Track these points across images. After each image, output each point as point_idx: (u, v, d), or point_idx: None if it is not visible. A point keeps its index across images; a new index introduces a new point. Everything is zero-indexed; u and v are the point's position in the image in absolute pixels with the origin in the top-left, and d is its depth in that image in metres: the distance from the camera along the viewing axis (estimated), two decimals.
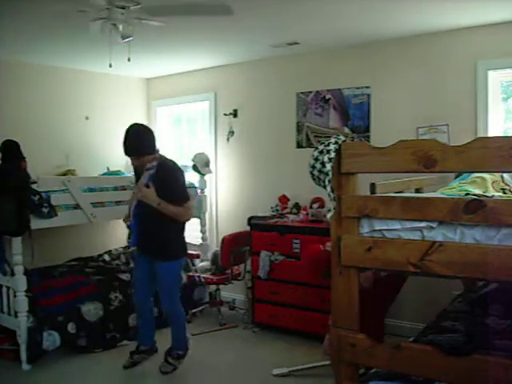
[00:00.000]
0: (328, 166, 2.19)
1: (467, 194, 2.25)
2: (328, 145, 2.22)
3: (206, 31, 4.42)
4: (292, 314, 4.69)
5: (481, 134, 4.17)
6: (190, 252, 5.43)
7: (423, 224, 2.05)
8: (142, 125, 4.14)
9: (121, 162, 6.29)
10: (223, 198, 5.96)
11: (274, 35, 4.63)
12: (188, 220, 3.97)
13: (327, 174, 2.20)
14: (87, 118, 5.94)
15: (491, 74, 4.26)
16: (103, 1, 3.37)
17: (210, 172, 5.63)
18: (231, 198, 5.89)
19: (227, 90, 5.89)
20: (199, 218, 5.62)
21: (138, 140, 3.89)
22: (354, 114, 4.97)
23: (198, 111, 6.33)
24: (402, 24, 4.26)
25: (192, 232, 5.96)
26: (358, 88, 4.93)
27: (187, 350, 4.10)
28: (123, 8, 3.46)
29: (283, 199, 5.27)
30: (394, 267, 2.15)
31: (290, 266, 4.68)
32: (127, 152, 3.90)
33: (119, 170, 5.85)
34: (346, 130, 5.00)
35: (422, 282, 4.13)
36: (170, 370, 4.00)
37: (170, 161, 4.01)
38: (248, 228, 5.07)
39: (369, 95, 4.87)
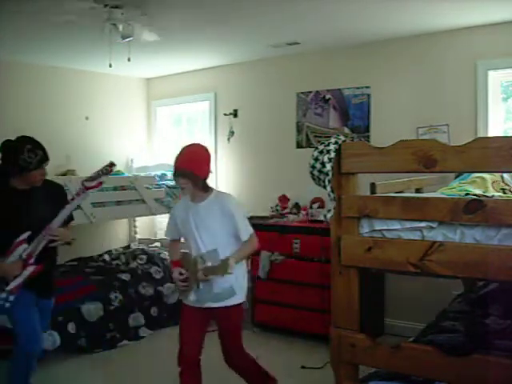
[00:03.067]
0: (328, 166, 2.19)
1: (467, 194, 2.25)
2: (328, 145, 2.22)
3: (206, 31, 4.42)
4: (292, 314, 4.69)
5: (481, 134, 4.17)
6: None
7: (423, 224, 2.05)
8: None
9: (121, 162, 6.30)
10: None
11: (274, 35, 4.63)
12: None
13: (327, 174, 2.20)
14: (87, 118, 5.94)
15: (491, 74, 4.26)
16: (103, 1, 3.38)
17: (210, 172, 5.62)
18: None
19: (227, 90, 5.89)
20: None
21: None
22: (353, 114, 4.97)
23: (198, 111, 6.33)
24: (402, 24, 4.26)
25: None
26: (358, 88, 4.93)
27: None
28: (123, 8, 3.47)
29: (283, 199, 5.27)
30: (394, 267, 2.16)
31: (290, 266, 4.68)
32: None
33: (119, 170, 5.85)
34: (346, 130, 5.00)
35: (422, 282, 4.14)
36: None
37: None
38: None
39: (369, 95, 4.87)
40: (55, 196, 3.09)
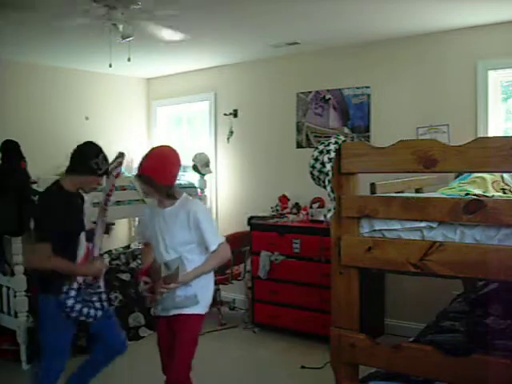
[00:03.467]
0: (328, 166, 2.19)
1: (467, 194, 2.25)
2: (328, 145, 2.22)
3: (206, 31, 4.42)
4: (292, 314, 4.69)
5: (481, 134, 4.17)
6: None
7: (423, 224, 2.05)
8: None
9: None
10: (223, 198, 5.96)
11: (273, 35, 4.63)
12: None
13: (327, 174, 2.20)
14: (87, 118, 5.94)
15: (491, 73, 4.26)
16: (103, 1, 3.38)
17: (210, 172, 5.63)
18: (231, 198, 5.89)
19: (227, 90, 5.89)
20: None
21: None
22: (354, 114, 4.96)
23: (198, 111, 6.33)
24: (402, 24, 4.26)
25: None
26: (358, 88, 4.93)
27: None
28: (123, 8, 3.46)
29: (283, 199, 5.27)
30: (394, 267, 2.16)
31: (290, 266, 4.68)
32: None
33: None
34: (346, 130, 5.00)
35: (422, 282, 4.14)
36: None
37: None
38: (248, 228, 5.07)
39: (369, 95, 4.87)
40: (82, 198, 3.13)
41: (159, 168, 2.66)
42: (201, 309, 2.78)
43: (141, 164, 2.71)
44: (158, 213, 2.78)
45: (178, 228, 2.69)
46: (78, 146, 3.04)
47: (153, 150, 2.77)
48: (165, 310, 2.79)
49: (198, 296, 2.73)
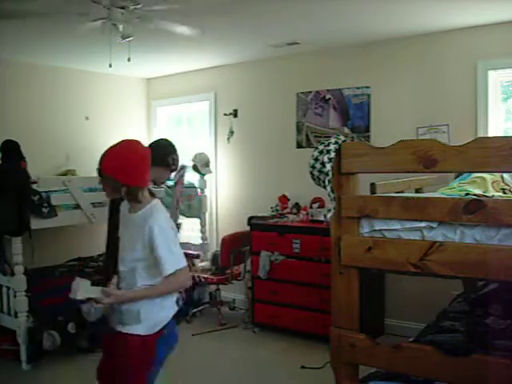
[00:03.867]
0: (328, 166, 2.19)
1: (467, 194, 2.25)
2: (328, 145, 2.22)
3: (206, 31, 4.42)
4: (292, 314, 4.69)
5: (481, 134, 4.17)
6: (189, 252, 5.44)
7: (423, 224, 2.05)
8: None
9: None
10: (223, 198, 5.96)
11: (274, 35, 4.63)
12: None
13: (327, 174, 2.20)
14: (87, 118, 5.94)
15: (491, 73, 4.26)
16: (104, 1, 3.37)
17: (210, 172, 5.63)
18: (231, 198, 5.89)
19: (227, 90, 5.89)
20: (199, 218, 5.62)
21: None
22: (354, 114, 4.96)
23: (198, 111, 6.33)
24: (402, 24, 4.26)
25: (192, 232, 5.97)
26: (358, 88, 4.93)
27: None
28: (123, 8, 3.46)
29: (283, 199, 5.27)
30: (394, 267, 2.15)
31: (290, 266, 4.68)
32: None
33: None
34: (346, 130, 5.00)
35: (422, 282, 4.14)
36: None
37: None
38: (248, 228, 5.07)
39: (369, 95, 4.87)
40: None
41: (120, 165, 2.26)
42: (142, 329, 2.29)
43: (101, 156, 2.31)
44: (125, 216, 2.42)
45: (136, 237, 2.29)
46: (158, 141, 3.33)
47: (118, 143, 2.33)
48: (112, 323, 2.40)
49: (141, 313, 2.28)
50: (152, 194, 2.43)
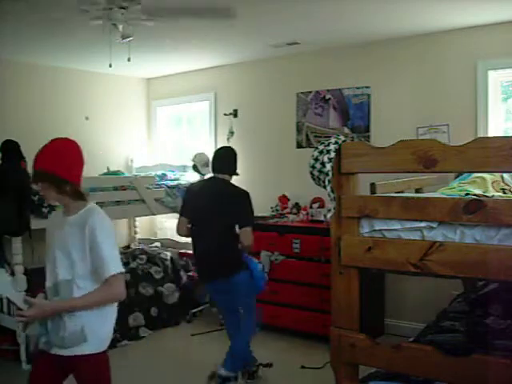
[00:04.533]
0: (328, 166, 2.18)
1: (467, 194, 2.25)
2: (328, 145, 2.22)
3: (206, 31, 4.43)
4: (292, 314, 4.69)
5: (481, 134, 4.17)
6: (190, 252, 5.44)
7: (423, 224, 2.05)
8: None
9: (121, 162, 6.30)
10: None
11: (274, 35, 4.63)
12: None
13: (327, 174, 2.20)
14: (87, 118, 5.94)
15: (491, 73, 4.26)
16: (103, 0, 3.38)
17: (210, 172, 5.62)
18: None
19: (227, 90, 5.89)
20: None
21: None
22: (354, 113, 4.97)
23: (198, 111, 6.33)
24: (402, 24, 4.26)
25: None
26: (358, 88, 4.94)
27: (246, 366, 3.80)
28: (123, 8, 3.46)
29: (283, 199, 5.27)
30: (394, 267, 2.15)
31: (290, 266, 4.68)
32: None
33: (119, 170, 5.85)
34: (346, 130, 5.00)
35: (422, 282, 4.14)
36: None
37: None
38: None
39: (369, 95, 4.87)
40: None
41: (61, 160, 2.15)
42: (93, 347, 2.14)
43: (35, 157, 2.15)
44: (60, 221, 2.25)
45: (72, 242, 2.15)
46: (230, 149, 3.91)
47: (50, 142, 2.21)
48: (47, 344, 2.17)
49: (84, 330, 2.10)
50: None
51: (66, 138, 2.25)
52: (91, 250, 2.10)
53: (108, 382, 2.21)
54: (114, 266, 2.11)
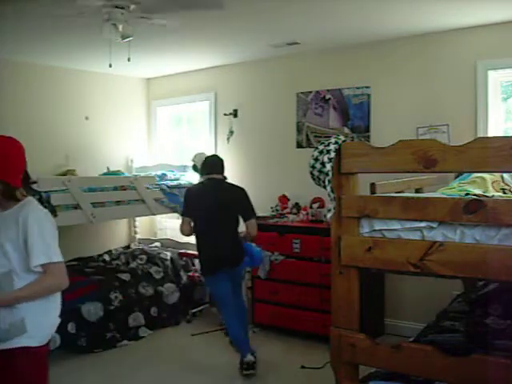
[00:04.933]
0: (328, 166, 2.18)
1: (467, 194, 2.25)
2: (328, 145, 2.22)
3: (206, 31, 4.43)
4: (292, 314, 4.69)
5: (481, 134, 4.17)
6: (189, 252, 5.44)
7: (423, 224, 2.05)
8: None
9: (121, 162, 6.30)
10: None
11: (273, 35, 4.63)
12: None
13: (327, 174, 2.20)
14: (87, 118, 5.95)
15: (491, 74, 4.26)
16: (103, 1, 3.38)
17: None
18: None
19: (227, 90, 5.89)
20: None
21: None
22: (354, 113, 4.96)
23: (198, 111, 6.33)
24: (402, 24, 4.26)
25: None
26: (358, 88, 4.93)
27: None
28: (123, 8, 3.46)
29: (283, 199, 5.27)
30: (394, 267, 2.16)
31: (290, 266, 4.68)
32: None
33: (119, 170, 5.85)
34: (346, 130, 5.00)
35: (422, 282, 4.14)
36: None
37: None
38: None
39: (369, 95, 4.87)
40: None
41: None
42: (32, 340, 2.06)
43: None
44: None
45: (7, 235, 2.11)
46: (218, 156, 4.27)
47: None
48: None
49: (25, 322, 2.04)
50: (25, 194, 2.24)
51: (2, 137, 2.21)
52: (26, 240, 2.07)
53: (44, 378, 2.14)
54: (41, 253, 2.06)
